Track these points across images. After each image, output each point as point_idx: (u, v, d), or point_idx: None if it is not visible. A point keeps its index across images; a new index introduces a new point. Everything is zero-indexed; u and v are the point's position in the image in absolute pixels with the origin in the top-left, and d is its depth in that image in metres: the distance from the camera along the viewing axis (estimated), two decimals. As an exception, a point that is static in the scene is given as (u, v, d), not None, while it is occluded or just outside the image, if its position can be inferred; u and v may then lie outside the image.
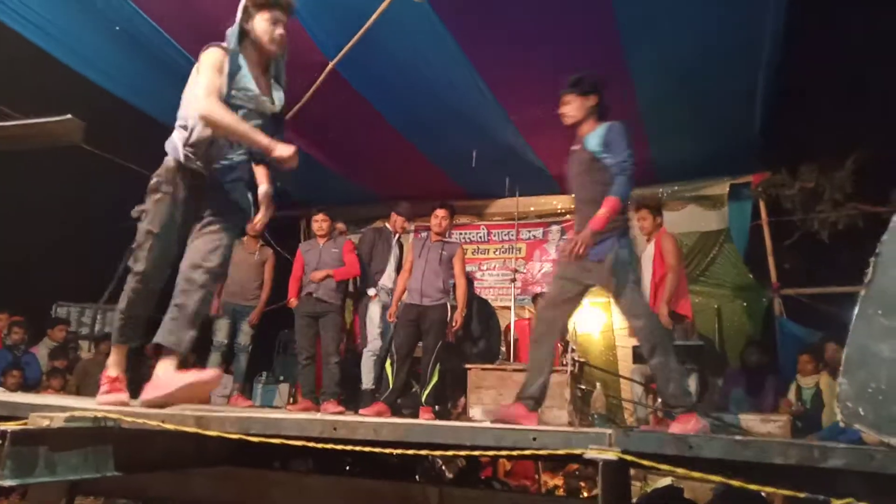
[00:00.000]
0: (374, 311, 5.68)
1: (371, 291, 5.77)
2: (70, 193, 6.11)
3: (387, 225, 6.08)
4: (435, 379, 5.06)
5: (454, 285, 5.33)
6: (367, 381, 5.53)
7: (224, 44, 2.79)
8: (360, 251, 5.84)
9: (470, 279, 7.04)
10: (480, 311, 6.25)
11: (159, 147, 2.71)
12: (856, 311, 2.00)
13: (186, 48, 5.29)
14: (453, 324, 5.25)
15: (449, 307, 5.20)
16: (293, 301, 5.48)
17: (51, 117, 2.79)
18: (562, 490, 5.50)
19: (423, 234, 5.48)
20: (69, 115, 2.74)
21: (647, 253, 5.22)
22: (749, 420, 5.18)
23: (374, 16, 4.55)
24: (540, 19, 4.79)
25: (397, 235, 6.02)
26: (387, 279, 5.81)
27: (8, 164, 4.85)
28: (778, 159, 6.68)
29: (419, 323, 5.07)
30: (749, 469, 1.88)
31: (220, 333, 5.64)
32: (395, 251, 5.94)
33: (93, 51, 5.32)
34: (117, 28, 4.99)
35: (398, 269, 5.82)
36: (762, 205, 7.05)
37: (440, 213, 5.27)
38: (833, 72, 5.65)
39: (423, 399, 4.99)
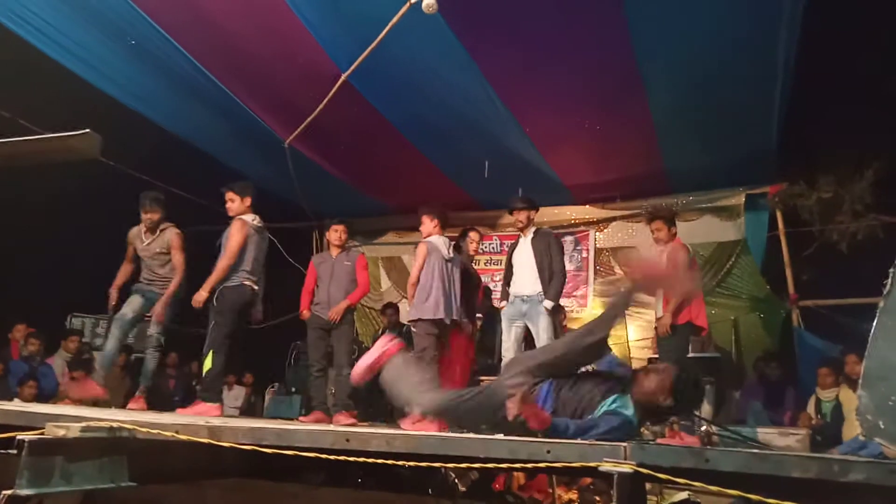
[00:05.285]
0: (505, 323, 5.21)
1: (502, 303, 5.29)
2: (85, 204, 6.18)
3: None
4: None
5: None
6: None
7: None
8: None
9: (488, 289, 7.05)
10: (495, 322, 6.21)
11: (172, 158, 2.74)
12: (875, 323, 1.98)
13: (200, 61, 5.38)
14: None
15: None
16: (305, 313, 5.48)
17: (69, 132, 2.83)
18: (576, 504, 5.43)
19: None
20: (88, 130, 2.77)
21: (661, 264, 5.19)
22: (767, 434, 5.10)
23: (387, 28, 4.59)
24: (552, 31, 4.80)
25: (530, 235, 5.33)
26: (521, 287, 5.15)
27: (23, 175, 4.92)
28: (795, 170, 6.62)
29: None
30: (767, 483, 1.85)
31: (128, 307, 5.24)
32: (527, 251, 5.24)
33: (107, 63, 5.41)
34: (132, 42, 5.08)
35: (540, 270, 5.15)
36: (779, 215, 6.99)
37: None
38: (850, 82, 5.59)
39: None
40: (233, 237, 5.01)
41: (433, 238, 5.14)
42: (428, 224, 5.19)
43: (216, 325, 4.87)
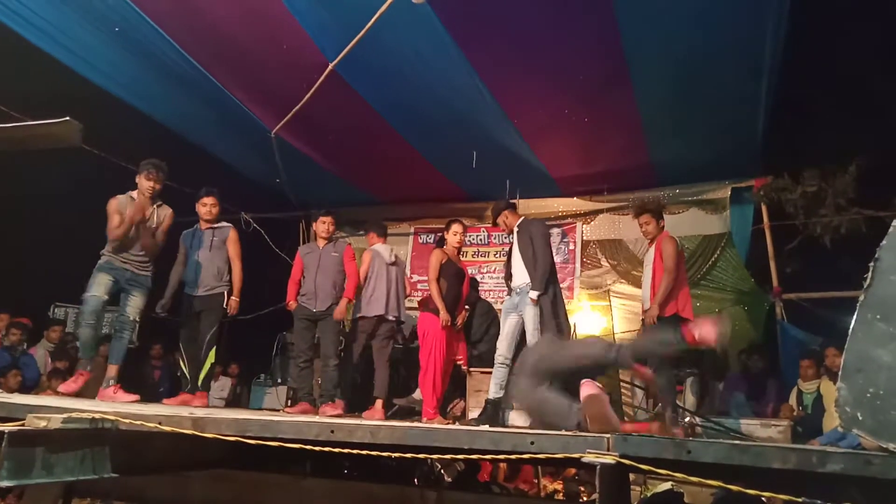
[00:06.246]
0: (503, 315, 5.22)
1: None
2: (68, 193, 6.11)
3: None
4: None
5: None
6: (494, 390, 4.91)
7: None
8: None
9: (474, 280, 7.05)
10: (482, 313, 6.22)
11: (157, 147, 2.71)
12: (855, 316, 2.00)
13: (185, 48, 5.30)
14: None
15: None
16: (292, 304, 5.46)
17: (50, 120, 2.78)
18: (561, 495, 5.48)
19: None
20: (67, 118, 2.72)
21: (649, 256, 5.20)
22: (750, 425, 5.17)
23: (375, 17, 4.55)
24: (541, 22, 4.79)
25: (515, 232, 5.25)
26: (515, 279, 5.13)
27: (6, 164, 4.85)
28: (780, 163, 6.67)
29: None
30: (748, 474, 1.87)
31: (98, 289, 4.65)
32: (516, 245, 5.19)
33: (92, 51, 5.32)
34: (116, 29, 5.00)
35: (526, 262, 5.07)
36: (764, 209, 7.04)
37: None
38: (836, 77, 5.64)
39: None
40: (238, 245, 5.35)
41: (377, 246, 5.83)
42: (369, 239, 5.97)
43: (220, 326, 5.20)
